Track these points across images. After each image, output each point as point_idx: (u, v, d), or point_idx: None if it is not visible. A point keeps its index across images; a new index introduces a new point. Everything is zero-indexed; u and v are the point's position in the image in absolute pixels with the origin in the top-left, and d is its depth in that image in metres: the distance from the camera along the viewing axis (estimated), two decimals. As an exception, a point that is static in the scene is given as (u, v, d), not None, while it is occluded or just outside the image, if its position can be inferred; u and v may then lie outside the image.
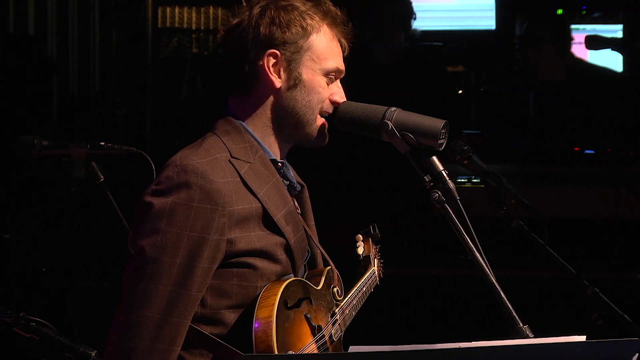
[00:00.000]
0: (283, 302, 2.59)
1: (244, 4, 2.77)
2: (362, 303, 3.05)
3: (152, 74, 7.41)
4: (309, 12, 2.74)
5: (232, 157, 2.68)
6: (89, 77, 8.12)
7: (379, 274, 3.24)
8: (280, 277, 2.68)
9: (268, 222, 2.67)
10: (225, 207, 2.59)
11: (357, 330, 3.02)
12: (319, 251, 2.89)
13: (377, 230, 3.23)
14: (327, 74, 2.76)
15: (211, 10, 7.49)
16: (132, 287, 2.57)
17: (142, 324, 2.53)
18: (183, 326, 2.56)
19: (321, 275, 2.84)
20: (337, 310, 2.84)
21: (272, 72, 2.72)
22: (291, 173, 2.86)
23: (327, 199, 5.87)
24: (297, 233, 2.73)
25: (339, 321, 2.83)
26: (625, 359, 2.26)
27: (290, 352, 2.57)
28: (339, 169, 6.10)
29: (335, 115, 2.78)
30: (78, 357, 2.20)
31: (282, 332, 2.56)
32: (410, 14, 6.44)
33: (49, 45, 7.85)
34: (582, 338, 2.29)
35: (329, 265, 2.89)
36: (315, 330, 2.70)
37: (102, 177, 3.84)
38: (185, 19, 7.43)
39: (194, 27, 7.43)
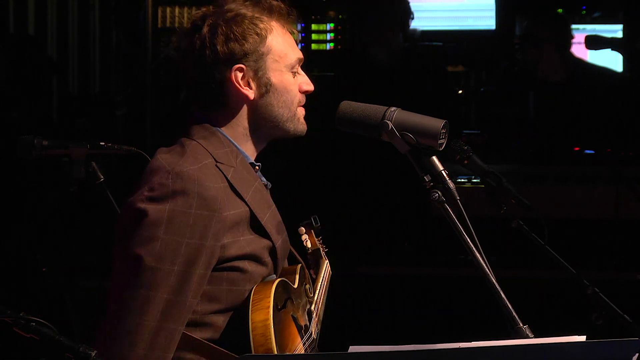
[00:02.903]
0: (274, 304, 2.60)
1: (178, 25, 2.75)
2: (326, 298, 3.05)
3: (152, 74, 7.41)
4: (256, 16, 2.73)
5: (217, 162, 2.67)
6: (89, 77, 8.12)
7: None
8: (264, 279, 2.68)
9: (255, 226, 2.67)
10: (220, 213, 2.58)
11: (357, 331, 3.02)
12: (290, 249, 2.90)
13: (318, 223, 3.22)
14: (291, 68, 2.77)
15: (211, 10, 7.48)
16: (127, 295, 2.54)
17: (138, 332, 2.52)
18: (177, 333, 2.55)
19: (295, 274, 2.84)
20: (313, 307, 2.86)
21: (242, 85, 2.71)
22: (260, 173, 2.86)
23: (326, 199, 5.87)
24: (282, 235, 2.74)
25: (315, 318, 2.85)
26: (625, 359, 2.26)
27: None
28: (339, 169, 6.10)
29: (335, 115, 2.78)
30: (78, 357, 2.20)
31: (278, 335, 2.57)
32: (408, 14, 6.44)
33: (49, 45, 7.85)
34: (582, 338, 2.29)
35: (300, 263, 2.90)
36: (302, 329, 2.71)
37: (102, 177, 3.84)
38: (185, 19, 7.43)
39: (194, 27, 7.42)
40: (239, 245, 2.62)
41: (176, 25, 7.40)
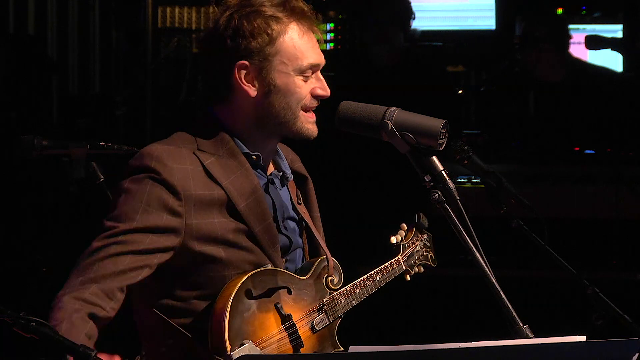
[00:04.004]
0: (244, 292, 2.66)
1: (213, 10, 2.82)
2: (371, 292, 3.05)
3: (152, 74, 7.41)
4: (274, 15, 2.75)
5: (198, 149, 2.76)
6: (89, 77, 8.11)
7: (420, 260, 3.29)
8: (257, 266, 2.73)
9: (231, 210, 2.73)
10: (176, 188, 2.67)
11: (357, 330, 3.02)
12: (319, 241, 2.94)
13: (421, 219, 3.26)
14: (301, 72, 2.78)
15: (211, 10, 7.48)
16: (86, 251, 2.67)
17: (84, 269, 2.64)
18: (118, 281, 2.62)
19: (312, 265, 2.89)
20: (326, 299, 2.86)
21: (245, 82, 2.76)
22: (285, 163, 2.92)
23: (325, 199, 5.86)
24: (264, 222, 2.77)
25: (326, 309, 2.85)
26: (625, 359, 2.26)
27: (247, 341, 2.63)
28: (338, 169, 6.10)
29: (335, 115, 2.78)
30: (78, 357, 2.20)
31: (239, 322, 2.63)
32: (409, 14, 6.44)
33: (49, 45, 7.84)
34: (582, 338, 2.29)
35: (324, 255, 2.92)
36: (285, 318, 2.73)
37: (102, 177, 3.85)
38: (185, 19, 7.43)
39: (194, 27, 7.42)
40: (211, 226, 2.70)
41: (176, 25, 7.40)
